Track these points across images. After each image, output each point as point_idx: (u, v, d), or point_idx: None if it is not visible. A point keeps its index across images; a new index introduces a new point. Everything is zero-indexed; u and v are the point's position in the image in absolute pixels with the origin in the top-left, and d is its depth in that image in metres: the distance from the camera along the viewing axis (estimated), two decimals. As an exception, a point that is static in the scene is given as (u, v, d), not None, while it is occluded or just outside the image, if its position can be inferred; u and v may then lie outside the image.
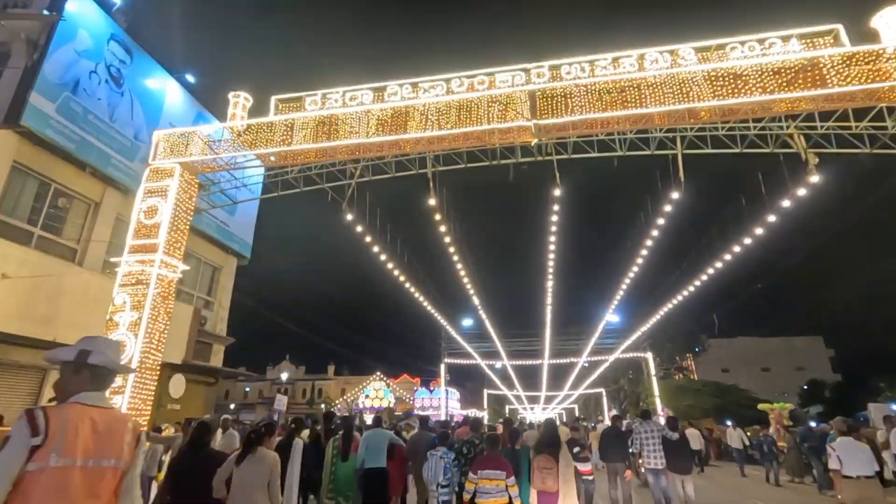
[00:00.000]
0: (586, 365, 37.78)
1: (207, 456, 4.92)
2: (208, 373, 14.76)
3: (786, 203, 9.98)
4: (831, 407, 41.45)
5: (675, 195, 10.11)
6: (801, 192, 9.45)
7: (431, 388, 50.43)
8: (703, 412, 26.82)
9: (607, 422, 34.05)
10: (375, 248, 12.75)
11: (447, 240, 12.28)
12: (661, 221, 11.29)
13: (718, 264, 13.67)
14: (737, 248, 12.47)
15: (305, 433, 7.85)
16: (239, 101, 10.02)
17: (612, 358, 31.42)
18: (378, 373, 55.96)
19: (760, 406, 18.00)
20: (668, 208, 10.65)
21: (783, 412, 15.92)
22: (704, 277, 14.98)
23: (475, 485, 5.04)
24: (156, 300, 8.59)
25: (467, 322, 33.19)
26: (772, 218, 10.61)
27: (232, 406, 55.23)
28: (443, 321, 23.45)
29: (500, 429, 13.71)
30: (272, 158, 9.64)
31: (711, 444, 18.70)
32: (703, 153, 9.66)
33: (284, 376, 34.27)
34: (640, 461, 8.39)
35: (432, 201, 10.38)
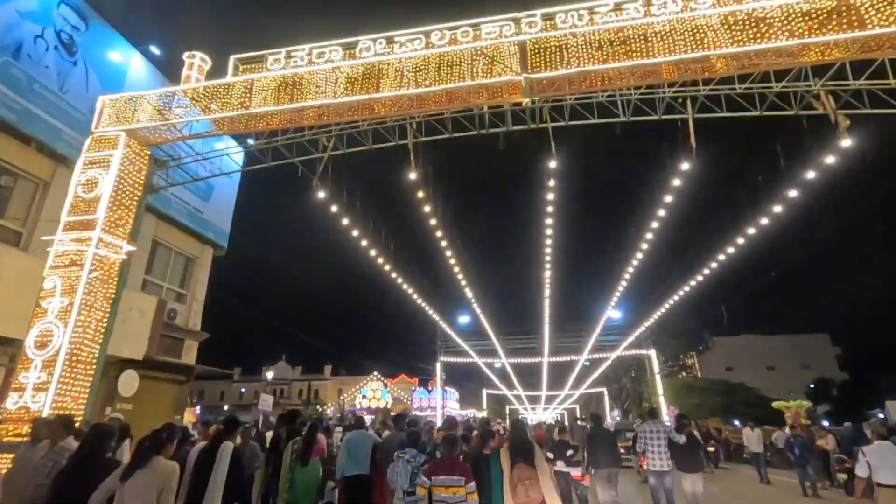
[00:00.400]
0: (587, 364, 36.72)
1: (101, 466, 3.85)
2: (178, 370, 13.67)
3: (810, 175, 8.89)
4: (839, 406, 40.36)
5: (685, 166, 9.02)
6: (829, 159, 8.35)
7: (429, 389, 49.38)
8: (709, 411, 25.73)
9: (608, 419, 32.87)
10: (355, 233, 11.67)
11: (433, 222, 11.19)
12: (668, 199, 10.19)
13: (730, 249, 12.57)
14: (751, 231, 11.37)
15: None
16: (195, 62, 8.94)
17: (614, 355, 30.33)
18: (375, 373, 55.05)
19: (775, 404, 16.83)
20: (676, 182, 9.56)
21: (801, 411, 14.74)
22: (714, 265, 13.87)
23: (426, 490, 4.21)
24: (92, 284, 7.51)
25: (464, 319, 32.21)
26: (792, 193, 9.52)
27: (226, 407, 54.25)
28: (435, 316, 22.36)
29: (497, 429, 12.65)
30: (244, 137, 8.54)
31: (720, 444, 17.56)
32: (717, 117, 8.56)
33: (270, 375, 33.15)
34: (643, 462, 7.50)
35: (413, 175, 9.29)
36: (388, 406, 49.45)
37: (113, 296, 7.86)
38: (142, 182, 8.58)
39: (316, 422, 6.52)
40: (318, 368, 64.77)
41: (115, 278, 7.95)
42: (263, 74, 8.24)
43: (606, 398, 44.08)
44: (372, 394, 54.11)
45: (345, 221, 11.00)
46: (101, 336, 7.61)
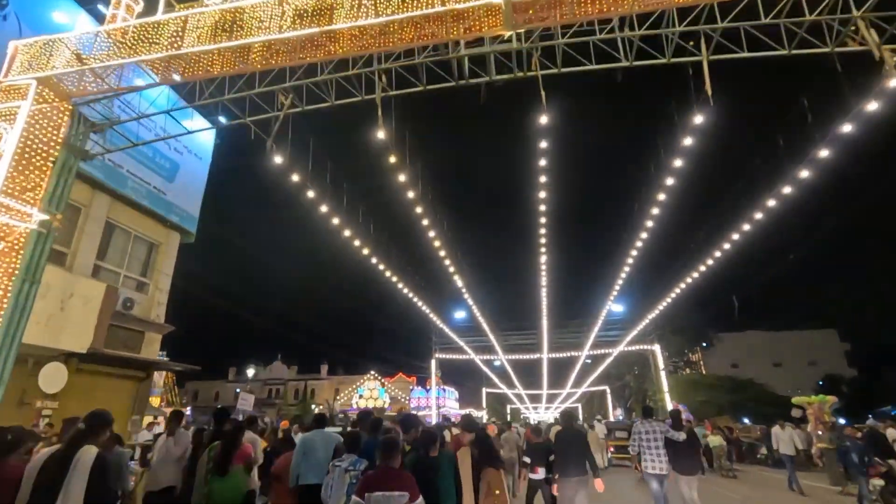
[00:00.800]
0: (588, 361, 35.46)
1: None
2: (136, 365, 12.42)
3: (846, 128, 7.58)
4: (850, 403, 38.96)
5: (698, 119, 7.72)
6: (871, 106, 7.05)
7: (428, 388, 48.28)
8: (717, 409, 24.39)
9: (610, 418, 31.63)
10: (324, 209, 10.38)
11: (411, 195, 9.90)
12: (677, 163, 8.89)
13: (746, 226, 11.25)
14: (771, 203, 10.06)
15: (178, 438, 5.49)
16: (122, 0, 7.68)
17: (616, 351, 29.02)
18: (372, 372, 53.92)
19: (795, 399, 15.44)
20: (687, 142, 8.25)
21: (824, 407, 13.37)
22: (727, 246, 12.56)
23: None
24: (-12, 256, 6.25)
25: (459, 315, 31.04)
26: (824, 153, 8.21)
27: (219, 407, 52.86)
28: (425, 308, 21.07)
29: (492, 429, 11.35)
30: (176, 78, 7.26)
31: (732, 444, 16.23)
32: (737, 58, 7.26)
33: (251, 373, 31.93)
34: (639, 464, 6.80)
35: (382, 134, 8.01)
36: (386, 406, 48.31)
37: (17, 272, 6.59)
38: (59, 140, 7.31)
39: (242, 422, 5.23)
40: (314, 368, 63.51)
41: (21, 251, 6.68)
42: (199, 10, 6.98)
43: (609, 396, 42.82)
44: (369, 393, 53.02)
45: (310, 194, 9.73)
46: None
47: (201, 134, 15.83)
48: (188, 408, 46.96)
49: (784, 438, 10.27)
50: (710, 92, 7.10)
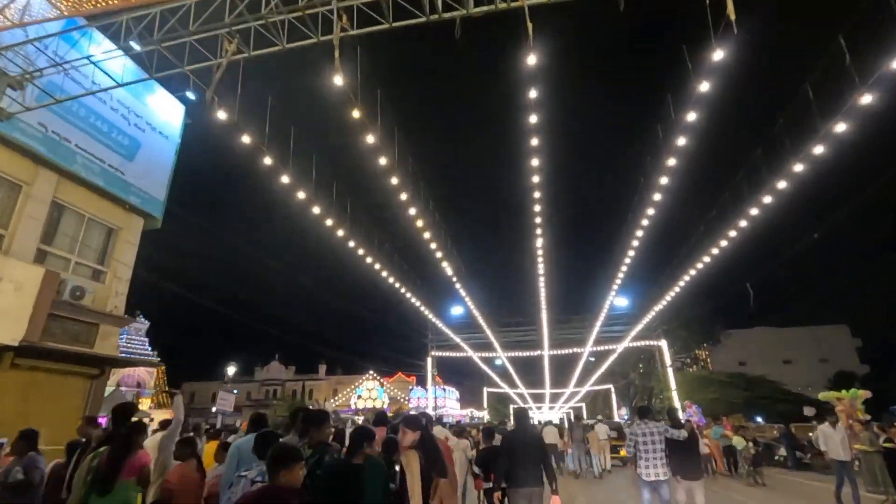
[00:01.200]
0: (592, 359, 34.17)
1: None
2: (88, 361, 11.22)
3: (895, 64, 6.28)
4: (865, 400, 37.63)
5: (718, 55, 6.43)
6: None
7: (427, 388, 47.14)
8: (729, 406, 23.04)
9: (615, 417, 30.31)
10: (286, 179, 9.14)
11: (383, 161, 8.63)
12: (691, 117, 7.59)
13: (766, 199, 9.93)
14: (798, 168, 8.75)
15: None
16: (26, -80, 6.50)
17: (621, 347, 27.68)
18: (371, 371, 52.91)
19: (822, 395, 14.08)
20: (704, 87, 6.96)
21: (856, 402, 12.02)
22: (743, 224, 11.23)
23: None
24: None
25: (457, 311, 29.86)
26: (867, 98, 6.90)
27: (214, 409, 52.02)
28: (417, 302, 19.84)
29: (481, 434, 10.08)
30: (87, 7, 6.05)
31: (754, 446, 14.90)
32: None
33: (231, 371, 30.74)
34: (636, 468, 6.09)
35: (339, 79, 6.76)
36: (385, 406, 47.22)
37: None
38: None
39: (139, 422, 3.99)
40: (313, 368, 62.52)
41: None
42: (110, -77, 5.77)
43: (614, 395, 41.54)
44: (368, 393, 51.97)
45: (267, 161, 8.49)
46: None
47: (167, 112, 14.67)
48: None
49: (836, 440, 8.42)
50: (733, 16, 5.81)
